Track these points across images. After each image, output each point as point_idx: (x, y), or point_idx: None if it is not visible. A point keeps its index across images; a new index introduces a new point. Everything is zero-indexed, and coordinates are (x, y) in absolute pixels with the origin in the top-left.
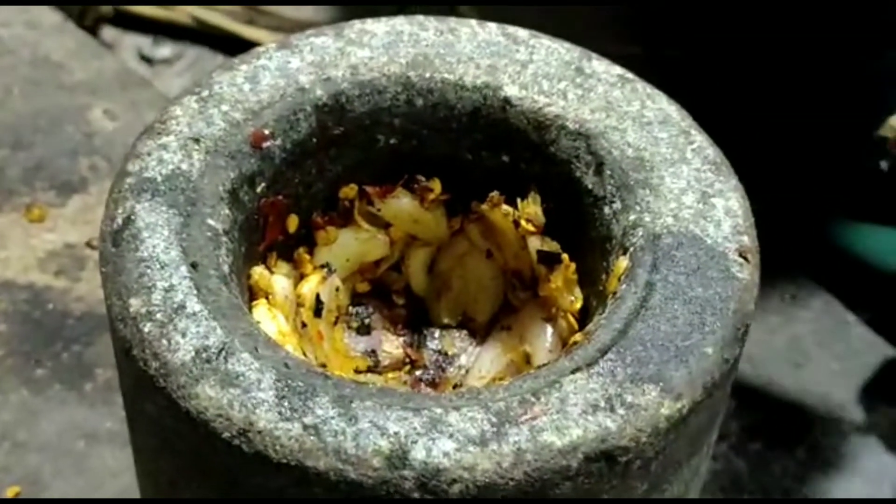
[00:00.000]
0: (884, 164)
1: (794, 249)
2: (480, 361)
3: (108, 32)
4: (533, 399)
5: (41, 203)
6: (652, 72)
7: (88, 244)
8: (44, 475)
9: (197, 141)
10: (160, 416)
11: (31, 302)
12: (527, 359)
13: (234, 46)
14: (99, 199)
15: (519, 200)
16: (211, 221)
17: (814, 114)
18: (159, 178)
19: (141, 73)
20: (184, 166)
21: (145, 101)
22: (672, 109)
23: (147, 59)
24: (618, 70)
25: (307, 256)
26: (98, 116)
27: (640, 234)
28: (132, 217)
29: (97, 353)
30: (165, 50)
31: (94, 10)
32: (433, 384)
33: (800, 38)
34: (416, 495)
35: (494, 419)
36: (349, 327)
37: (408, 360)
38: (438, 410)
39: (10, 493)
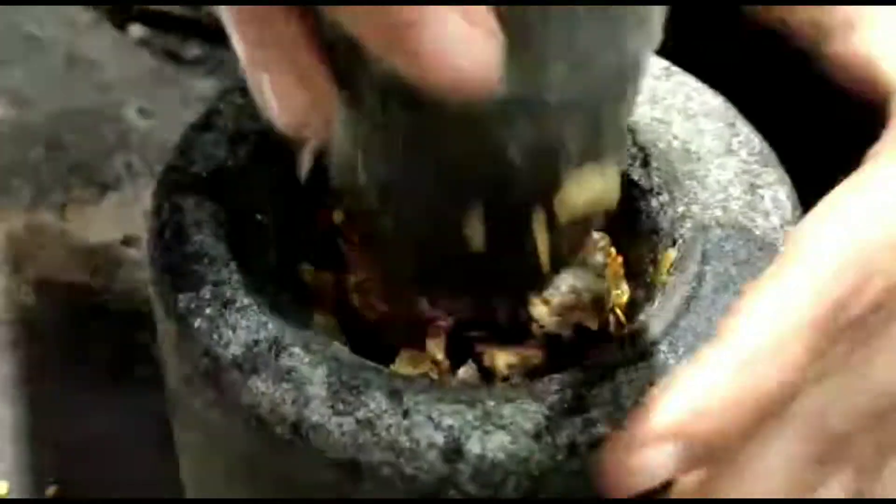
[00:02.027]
0: None
1: None
2: None
3: (137, 30)
4: (586, 392)
5: (77, 202)
6: None
7: (125, 242)
8: (84, 474)
9: (243, 136)
10: (209, 412)
11: (69, 301)
12: None
13: None
14: (135, 197)
15: None
16: (258, 216)
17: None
18: (205, 174)
19: (172, 73)
20: (230, 162)
21: (179, 99)
22: (717, 101)
23: (176, 58)
24: (662, 62)
25: None
26: (133, 115)
27: (689, 225)
28: (179, 213)
29: (136, 350)
30: (195, 49)
31: (122, 9)
32: None
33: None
34: (471, 489)
35: (548, 412)
36: None
37: None
38: (492, 403)
39: (49, 494)
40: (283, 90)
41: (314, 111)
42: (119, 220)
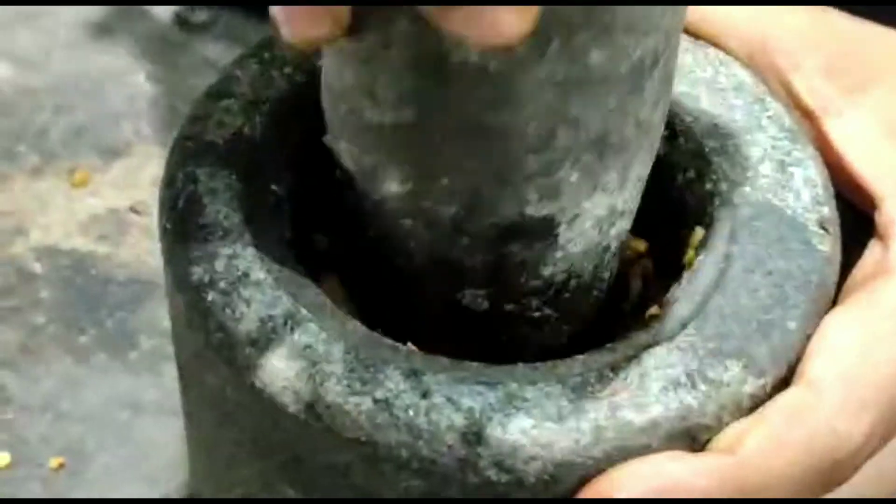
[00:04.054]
0: None
1: None
2: None
3: None
4: (611, 374)
5: (84, 167)
6: None
7: (132, 209)
8: (87, 446)
9: (259, 103)
10: (222, 388)
11: (74, 268)
12: None
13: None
14: (142, 163)
15: None
16: (274, 186)
17: None
18: (220, 142)
19: (180, 37)
20: (246, 130)
21: (187, 65)
22: (746, 75)
23: (184, 23)
24: (688, 35)
25: None
26: (141, 80)
27: (717, 203)
28: (193, 182)
29: (142, 320)
30: (202, 14)
31: None
32: None
33: None
34: (491, 473)
35: (572, 394)
36: None
37: None
38: (514, 385)
39: (53, 464)
40: None
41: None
42: (126, 186)
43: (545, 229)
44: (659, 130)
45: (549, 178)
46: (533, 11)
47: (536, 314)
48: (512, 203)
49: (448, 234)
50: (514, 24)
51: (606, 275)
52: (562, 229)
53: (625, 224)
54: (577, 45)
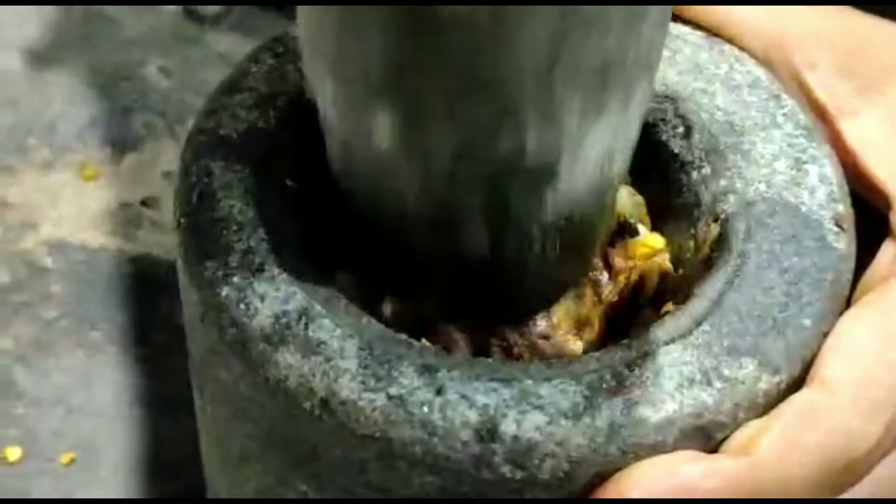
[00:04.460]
0: None
1: None
2: None
3: None
4: (626, 371)
5: (95, 161)
6: None
7: (144, 203)
8: (99, 441)
9: (273, 98)
10: (235, 384)
11: (85, 262)
12: None
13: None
14: (154, 157)
15: None
16: (288, 181)
17: None
18: (235, 136)
19: (192, 31)
20: (260, 124)
21: (199, 58)
22: (761, 72)
23: (196, 16)
24: (704, 32)
25: None
26: (153, 73)
27: (732, 200)
28: (207, 176)
29: (153, 315)
30: (213, 7)
31: None
32: None
33: None
34: (505, 470)
35: (587, 392)
36: None
37: None
38: (528, 382)
39: (64, 459)
40: None
41: None
42: (138, 180)
43: (545, 168)
44: (658, 62)
45: (547, 116)
46: None
47: (537, 252)
48: (510, 141)
49: (445, 175)
50: None
51: (607, 213)
52: (562, 167)
53: (624, 161)
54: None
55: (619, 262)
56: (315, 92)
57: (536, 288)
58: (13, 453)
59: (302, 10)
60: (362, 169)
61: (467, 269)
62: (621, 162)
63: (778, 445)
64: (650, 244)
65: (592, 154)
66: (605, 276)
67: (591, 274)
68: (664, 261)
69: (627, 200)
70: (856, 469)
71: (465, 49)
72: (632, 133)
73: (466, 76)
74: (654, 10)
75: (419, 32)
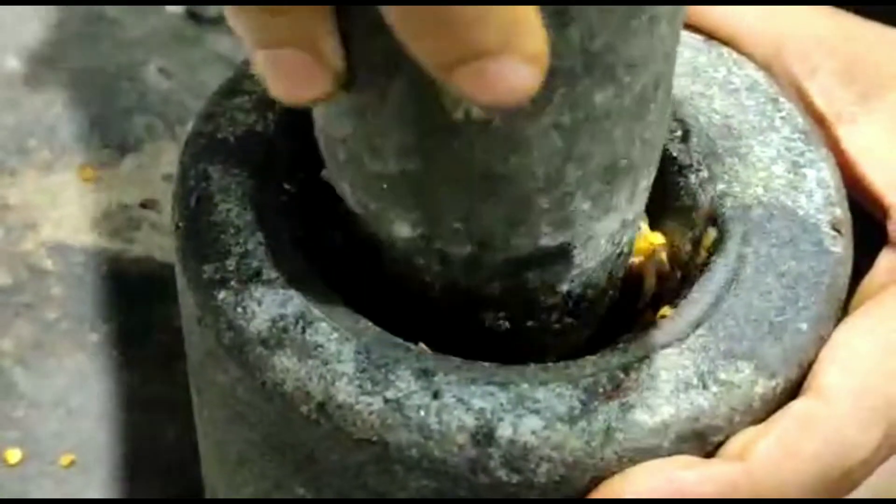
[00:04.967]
0: None
1: None
2: None
3: None
4: (622, 375)
5: (95, 163)
6: None
7: (143, 205)
8: (99, 443)
9: (272, 101)
10: (232, 387)
11: (86, 264)
12: None
13: None
14: (154, 158)
15: None
16: (286, 184)
17: None
18: (233, 140)
19: (192, 32)
20: (258, 127)
21: (200, 60)
22: (759, 76)
23: (196, 18)
24: (702, 35)
25: None
26: (153, 75)
27: (729, 204)
28: (205, 180)
29: (153, 317)
30: (213, 9)
31: None
32: None
33: None
34: (501, 474)
35: (583, 395)
36: None
37: None
38: (525, 386)
39: (64, 461)
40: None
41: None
42: (138, 182)
43: (560, 255)
44: (663, 139)
45: (561, 212)
46: (544, 61)
47: (557, 326)
48: (525, 238)
49: (463, 269)
50: (526, 78)
51: (620, 274)
52: (577, 251)
53: (635, 229)
54: (581, 91)
55: None
56: (332, 175)
57: (553, 359)
58: (13, 455)
59: (317, 113)
60: (385, 252)
61: (486, 345)
62: (631, 235)
63: (774, 452)
64: (649, 239)
65: (604, 236)
66: None
67: None
68: (662, 257)
69: None
70: (852, 477)
71: (479, 155)
72: (639, 215)
73: (480, 181)
74: (655, 102)
75: (434, 139)
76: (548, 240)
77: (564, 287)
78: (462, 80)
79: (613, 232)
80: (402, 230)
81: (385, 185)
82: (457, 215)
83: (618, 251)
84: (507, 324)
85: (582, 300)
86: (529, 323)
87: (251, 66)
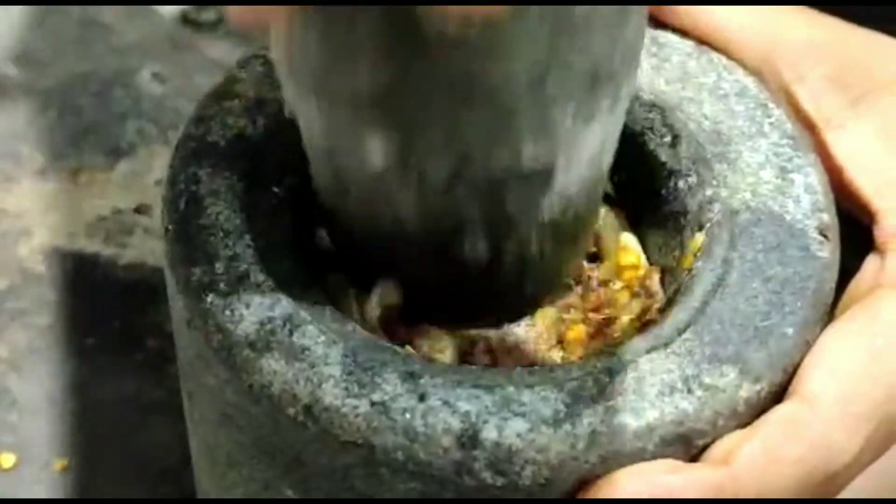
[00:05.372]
0: None
1: None
2: None
3: None
4: (608, 379)
5: (89, 168)
6: None
7: (137, 210)
8: (93, 448)
9: (262, 104)
10: (221, 390)
11: (79, 269)
12: None
13: None
14: (147, 164)
15: None
16: (275, 188)
17: None
18: (223, 143)
19: (186, 37)
20: (248, 131)
21: (194, 64)
22: (749, 81)
23: (191, 23)
24: (692, 41)
25: None
26: (146, 80)
27: (717, 209)
28: (195, 183)
29: (147, 322)
30: (210, 13)
31: None
32: None
33: None
34: (486, 476)
35: (568, 399)
36: None
37: None
38: (510, 388)
39: (58, 466)
40: None
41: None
42: (131, 187)
43: (541, 175)
44: (642, 46)
45: (542, 120)
46: None
47: (535, 252)
48: (506, 151)
49: (443, 190)
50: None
51: (599, 201)
52: (558, 172)
53: (612, 152)
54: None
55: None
56: (296, 113)
57: (531, 290)
58: (7, 460)
59: (278, 34)
60: (354, 190)
61: (465, 276)
62: (610, 156)
63: (758, 456)
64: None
65: (586, 153)
66: (590, 284)
67: (576, 288)
68: (649, 283)
69: (606, 219)
70: (835, 481)
71: (459, 65)
72: (619, 127)
73: (461, 91)
74: (636, 11)
75: (410, 52)
76: (529, 154)
77: (545, 211)
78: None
79: (594, 153)
80: (376, 157)
81: (359, 106)
82: (436, 124)
83: (597, 176)
84: (485, 249)
85: (561, 223)
86: (508, 248)
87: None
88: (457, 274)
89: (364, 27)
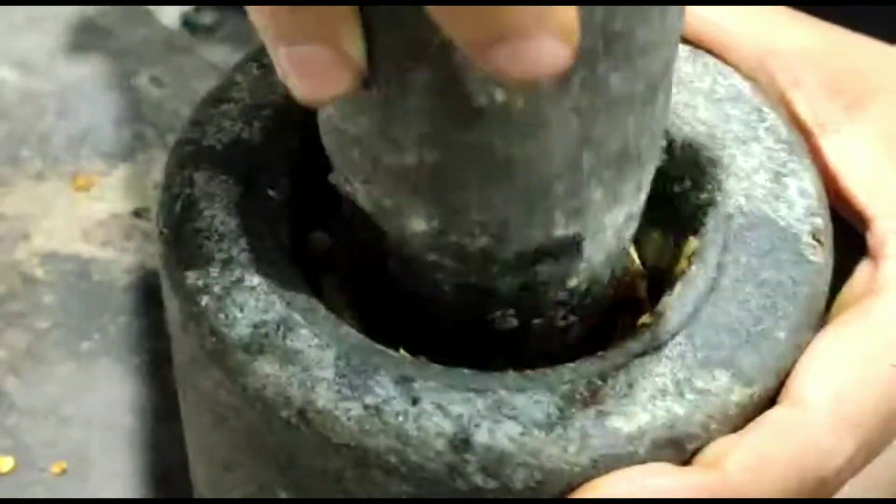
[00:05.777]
0: None
1: None
2: None
3: None
4: (600, 382)
5: (87, 172)
6: None
7: (135, 213)
8: (91, 451)
9: (258, 108)
10: (216, 392)
11: (77, 273)
12: None
13: None
14: (146, 167)
15: None
16: (271, 192)
17: None
18: (219, 147)
19: (185, 41)
20: (244, 135)
21: (192, 68)
22: (744, 86)
23: (190, 27)
24: (688, 46)
25: None
26: (145, 84)
27: (711, 213)
28: (190, 187)
29: (145, 325)
30: (207, 17)
31: None
32: None
33: None
34: (478, 480)
35: (561, 402)
36: None
37: None
38: (503, 392)
39: (56, 469)
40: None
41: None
42: (130, 191)
43: (571, 247)
44: (665, 129)
45: (575, 199)
46: (576, 38)
47: (562, 323)
48: (540, 228)
49: (477, 264)
50: (559, 55)
51: (620, 272)
52: (586, 244)
53: (636, 225)
54: (600, 73)
55: None
56: (341, 176)
57: (553, 353)
58: (5, 463)
59: (330, 112)
60: (395, 248)
61: (491, 339)
62: (632, 230)
63: (750, 460)
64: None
65: (612, 225)
66: None
67: None
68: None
69: None
70: (827, 486)
71: (502, 134)
72: (643, 200)
73: (502, 161)
74: (662, 90)
75: (457, 124)
76: (561, 230)
77: (573, 281)
78: (497, 57)
79: (619, 226)
80: (418, 224)
81: (403, 179)
82: (475, 204)
83: (620, 247)
84: (514, 321)
85: (586, 296)
86: (536, 320)
87: (275, 67)
88: (482, 343)
89: (415, 100)
